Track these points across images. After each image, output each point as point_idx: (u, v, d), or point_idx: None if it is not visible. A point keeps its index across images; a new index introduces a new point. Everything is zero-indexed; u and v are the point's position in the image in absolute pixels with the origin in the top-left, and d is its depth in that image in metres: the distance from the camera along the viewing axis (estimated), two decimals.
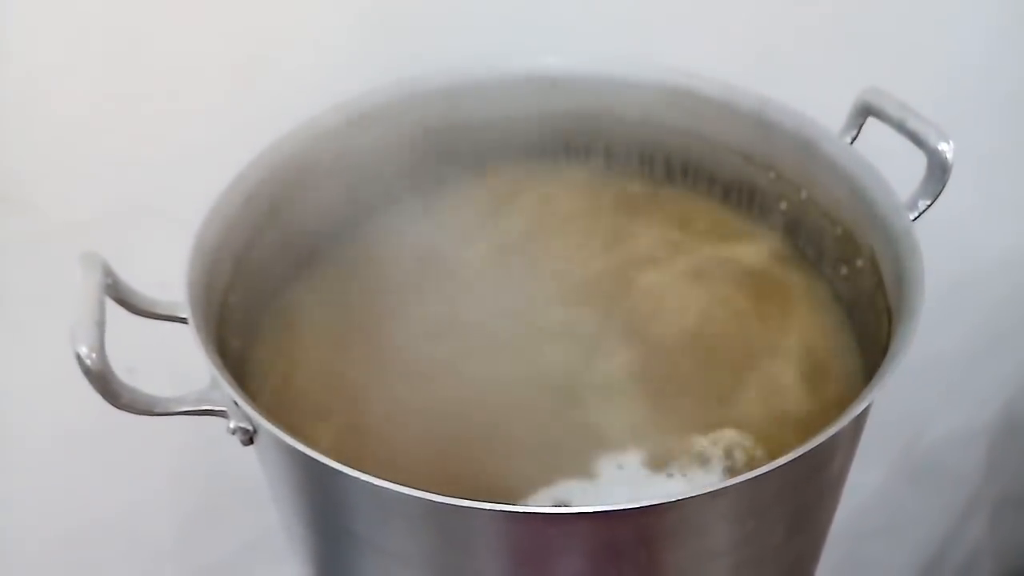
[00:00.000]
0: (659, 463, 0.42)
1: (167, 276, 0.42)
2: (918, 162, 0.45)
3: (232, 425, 0.39)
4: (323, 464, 0.33)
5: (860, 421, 0.38)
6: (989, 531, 0.99)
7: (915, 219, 0.45)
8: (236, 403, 0.37)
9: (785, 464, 0.33)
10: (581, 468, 0.42)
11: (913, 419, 0.88)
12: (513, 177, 0.56)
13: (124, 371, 0.40)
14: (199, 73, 0.52)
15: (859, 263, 0.47)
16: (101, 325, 0.37)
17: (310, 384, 0.47)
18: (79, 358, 0.35)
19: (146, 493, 0.65)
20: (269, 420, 0.35)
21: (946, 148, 0.44)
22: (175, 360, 0.40)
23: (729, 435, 0.42)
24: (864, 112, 0.48)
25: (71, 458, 0.61)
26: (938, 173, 0.44)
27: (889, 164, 0.46)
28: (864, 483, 0.90)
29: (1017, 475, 0.95)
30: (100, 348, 0.36)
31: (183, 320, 0.40)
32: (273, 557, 0.48)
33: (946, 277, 0.76)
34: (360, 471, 0.33)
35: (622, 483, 0.41)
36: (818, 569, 0.48)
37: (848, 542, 0.92)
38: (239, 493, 0.50)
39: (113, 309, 0.41)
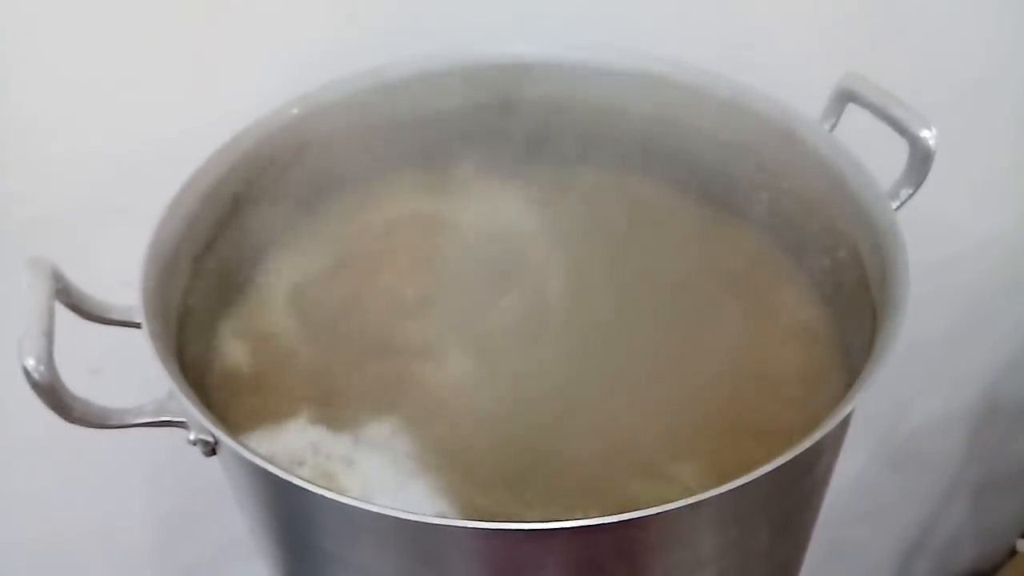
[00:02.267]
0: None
1: (131, 275, 0.40)
2: (900, 149, 0.44)
3: (193, 437, 0.37)
4: (286, 481, 0.32)
5: (844, 424, 0.37)
6: (970, 515, 0.99)
7: (897, 208, 0.43)
8: (195, 416, 0.35)
9: (769, 472, 0.31)
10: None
11: (895, 405, 0.88)
12: (485, 166, 0.54)
13: (88, 373, 0.38)
14: (162, 66, 0.50)
15: (841, 253, 0.46)
16: (49, 335, 0.35)
17: (275, 383, 0.45)
18: (26, 371, 0.34)
19: (124, 494, 0.64)
20: (229, 434, 0.34)
21: (928, 135, 0.43)
22: (141, 360, 0.38)
23: None
24: (844, 98, 0.47)
25: (48, 461, 0.60)
26: (920, 161, 0.43)
27: (871, 152, 0.45)
28: (846, 469, 0.90)
29: (997, 459, 0.95)
30: (48, 360, 0.34)
31: (138, 325, 0.38)
32: (252, 556, 0.47)
33: (926, 262, 0.76)
34: (326, 489, 0.31)
35: None
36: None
37: (831, 527, 0.91)
38: (217, 494, 0.49)
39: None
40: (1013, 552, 0.98)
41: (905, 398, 0.88)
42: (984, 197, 0.76)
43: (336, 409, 0.44)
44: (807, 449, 0.32)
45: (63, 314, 0.37)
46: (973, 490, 0.97)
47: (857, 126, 0.46)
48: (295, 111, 0.49)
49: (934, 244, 0.75)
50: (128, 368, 0.44)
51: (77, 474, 0.61)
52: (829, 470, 0.40)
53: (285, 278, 0.50)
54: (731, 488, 0.31)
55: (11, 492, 0.61)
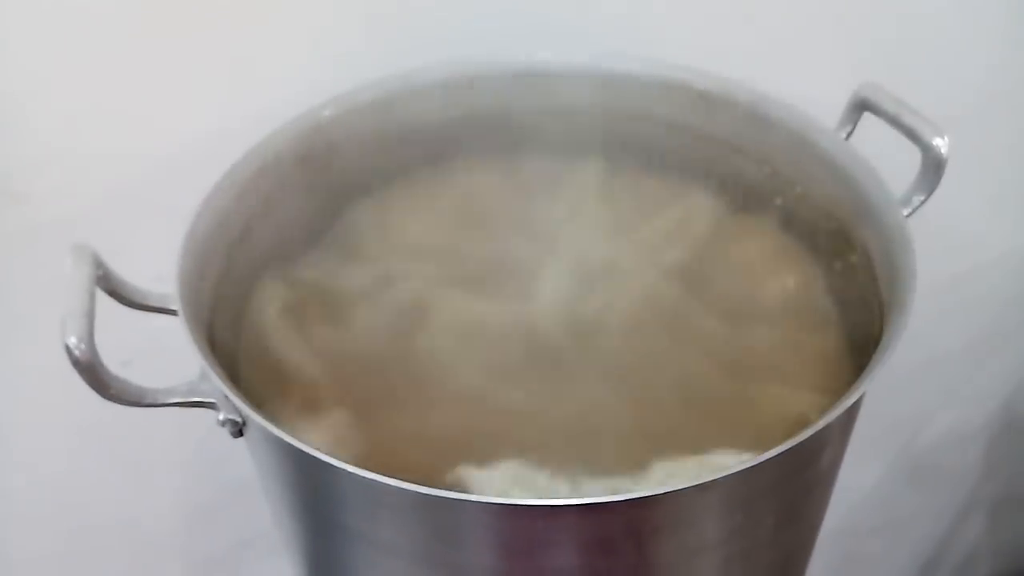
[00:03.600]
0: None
1: (163, 269, 0.42)
2: (916, 158, 0.45)
3: (222, 417, 0.39)
4: (312, 456, 0.33)
5: (850, 415, 0.38)
6: (987, 530, 0.99)
7: (909, 215, 0.44)
8: (225, 395, 0.37)
9: (774, 457, 0.32)
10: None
11: (912, 418, 0.88)
12: (510, 171, 0.56)
13: (119, 364, 0.40)
14: (196, 65, 0.52)
15: (853, 259, 0.47)
16: (90, 316, 0.37)
17: (301, 375, 0.47)
18: (68, 349, 0.36)
19: (150, 486, 0.65)
20: (258, 412, 0.35)
21: (941, 143, 0.44)
22: (171, 354, 0.40)
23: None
24: (860, 107, 0.48)
25: (75, 452, 0.61)
26: (933, 168, 0.44)
27: (886, 160, 0.46)
28: (863, 482, 0.90)
29: (1015, 475, 0.95)
30: (89, 339, 0.36)
31: (173, 312, 0.40)
32: (276, 549, 0.49)
33: (945, 275, 0.76)
34: (348, 464, 0.33)
35: None
36: (816, 567, 0.47)
37: (847, 540, 0.92)
38: (244, 486, 0.50)
39: (110, 304, 0.41)
40: None
41: (922, 412, 0.88)
42: (1003, 210, 0.76)
43: (360, 400, 0.45)
44: (811, 437, 0.33)
45: (97, 310, 0.39)
46: (990, 506, 0.96)
47: (877, 136, 0.47)
48: (326, 112, 0.51)
49: (953, 257, 0.76)
50: (157, 361, 0.46)
51: (104, 466, 0.63)
52: (835, 464, 0.41)
53: (315, 273, 0.51)
54: (736, 472, 0.32)
55: (37, 481, 0.62)
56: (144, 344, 0.48)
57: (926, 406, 0.87)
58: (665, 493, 0.31)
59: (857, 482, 0.89)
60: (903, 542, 0.98)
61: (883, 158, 0.46)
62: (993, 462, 0.93)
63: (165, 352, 0.41)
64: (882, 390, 0.42)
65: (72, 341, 0.35)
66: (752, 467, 0.32)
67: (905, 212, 0.44)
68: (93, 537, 0.66)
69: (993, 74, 0.67)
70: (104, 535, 0.66)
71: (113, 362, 0.39)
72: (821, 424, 0.33)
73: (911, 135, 0.44)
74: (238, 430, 0.39)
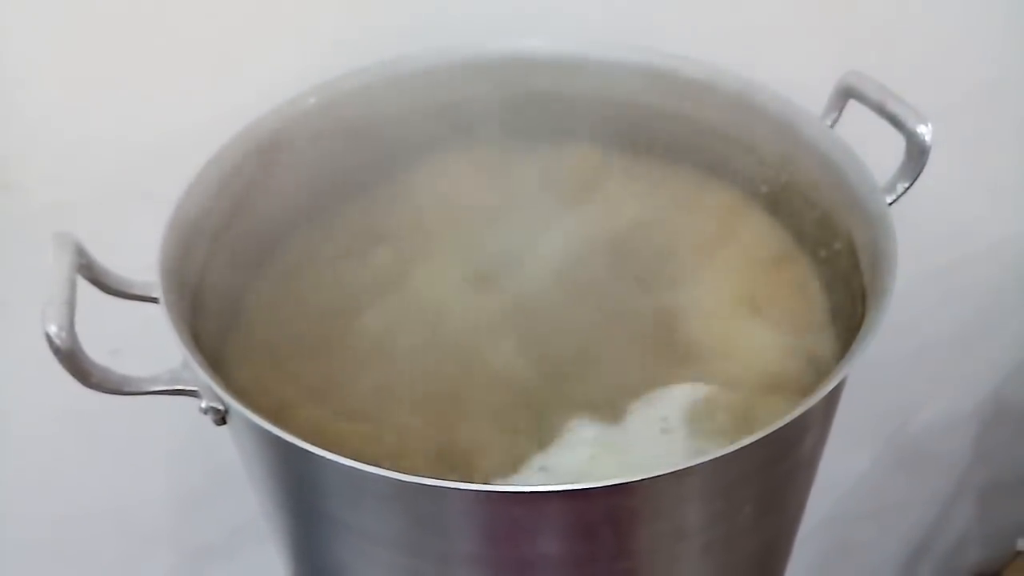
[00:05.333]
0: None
1: (153, 258, 0.42)
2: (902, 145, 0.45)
3: (204, 405, 0.39)
4: (294, 445, 0.33)
5: (831, 401, 0.38)
6: (976, 517, 0.99)
7: (893, 202, 0.44)
8: (207, 383, 0.37)
9: (753, 443, 0.33)
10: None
11: (902, 405, 0.88)
12: (496, 158, 0.55)
13: (109, 352, 0.40)
14: (185, 54, 0.52)
15: (837, 246, 0.47)
16: (71, 304, 0.36)
17: (287, 364, 0.47)
18: (48, 337, 0.35)
19: (140, 475, 0.65)
20: (239, 401, 0.35)
21: (924, 131, 0.43)
22: (161, 341, 0.40)
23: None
24: (845, 95, 0.48)
25: (65, 441, 0.61)
26: (916, 156, 0.44)
27: (872, 148, 0.46)
28: (852, 468, 0.90)
29: (1005, 461, 0.95)
30: (70, 327, 0.36)
31: (156, 300, 0.40)
32: (266, 537, 0.49)
33: (935, 263, 0.77)
34: (330, 451, 0.33)
35: None
36: (806, 553, 0.48)
37: (837, 527, 0.92)
38: (233, 475, 0.51)
39: (100, 293, 0.41)
40: (1017, 553, 0.98)
41: (912, 399, 0.88)
42: (995, 199, 0.76)
43: (343, 388, 0.45)
44: (790, 423, 0.33)
45: (85, 299, 0.39)
46: (979, 492, 0.97)
47: (865, 123, 0.47)
48: (312, 100, 0.51)
49: (944, 245, 0.76)
50: (148, 348, 0.45)
51: (95, 454, 0.63)
52: (816, 451, 0.41)
53: (298, 259, 0.51)
54: (715, 457, 0.32)
55: (27, 470, 0.62)
56: (135, 332, 0.48)
57: (916, 394, 0.87)
58: (643, 479, 0.32)
59: (847, 469, 0.89)
60: (893, 529, 0.98)
61: (871, 145, 0.46)
62: (983, 449, 0.93)
63: (156, 340, 0.41)
64: (872, 378, 0.42)
65: (52, 330, 0.35)
66: (731, 453, 0.32)
67: (889, 199, 0.44)
68: (84, 525, 0.66)
69: (981, 62, 0.67)
70: (95, 523, 0.66)
71: (103, 350, 0.39)
72: (801, 410, 0.33)
73: (895, 122, 0.44)
74: (221, 418, 0.39)
